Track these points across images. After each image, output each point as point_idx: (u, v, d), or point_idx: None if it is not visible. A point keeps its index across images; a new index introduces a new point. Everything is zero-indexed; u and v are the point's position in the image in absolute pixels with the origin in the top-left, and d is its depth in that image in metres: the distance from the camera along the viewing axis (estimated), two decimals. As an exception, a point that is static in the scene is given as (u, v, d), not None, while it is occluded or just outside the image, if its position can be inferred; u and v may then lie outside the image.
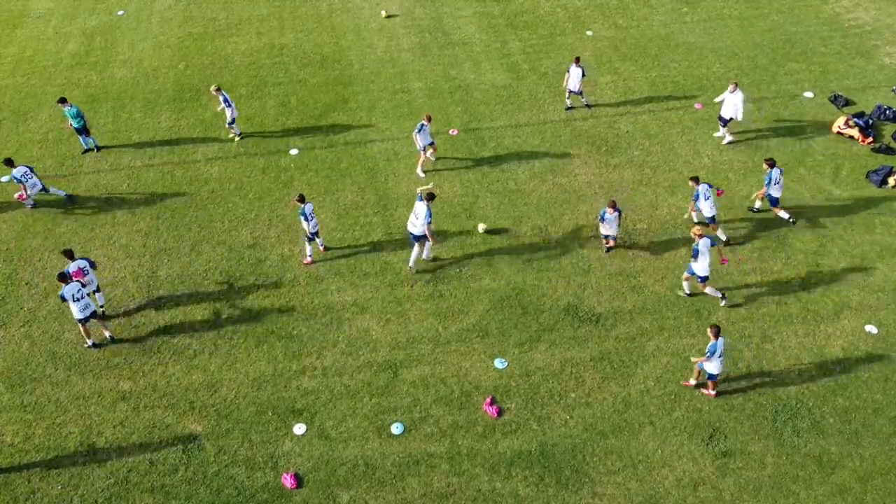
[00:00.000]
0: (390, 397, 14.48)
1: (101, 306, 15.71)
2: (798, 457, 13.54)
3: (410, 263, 16.74)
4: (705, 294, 16.05)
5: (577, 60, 20.59)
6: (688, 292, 16.21)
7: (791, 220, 17.79)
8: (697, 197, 16.80)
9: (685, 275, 15.97)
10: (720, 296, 15.98)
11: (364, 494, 12.98)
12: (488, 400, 14.34)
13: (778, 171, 17.19)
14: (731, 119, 19.75)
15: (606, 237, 17.00)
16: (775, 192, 17.38)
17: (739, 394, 14.51)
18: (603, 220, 16.56)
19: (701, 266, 15.38)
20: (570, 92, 21.16)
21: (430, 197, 16.03)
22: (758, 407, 14.30)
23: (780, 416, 14.15)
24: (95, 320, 15.04)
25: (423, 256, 16.87)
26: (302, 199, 16.28)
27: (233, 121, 20.17)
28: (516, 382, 14.74)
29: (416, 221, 16.05)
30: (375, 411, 14.25)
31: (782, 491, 13.04)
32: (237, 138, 20.63)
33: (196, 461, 13.48)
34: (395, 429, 13.94)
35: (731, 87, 19.41)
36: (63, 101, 19.49)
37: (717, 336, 13.50)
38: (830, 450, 13.64)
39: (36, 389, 14.64)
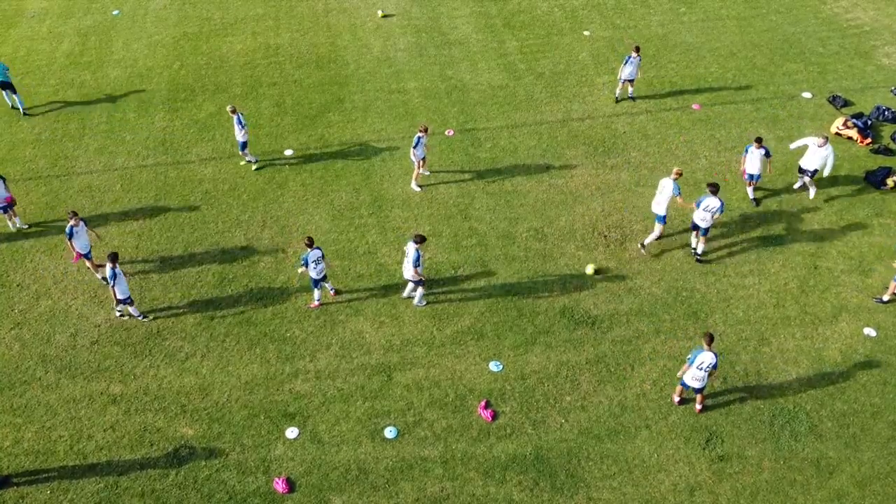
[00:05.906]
0: (384, 401, 14.33)
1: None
2: (796, 461, 13.41)
3: (404, 295, 16.18)
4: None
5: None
6: None
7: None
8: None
9: None
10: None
11: (357, 499, 12.83)
12: (483, 403, 14.20)
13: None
14: (817, 171, 17.94)
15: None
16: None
17: (736, 397, 14.39)
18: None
19: None
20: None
21: (421, 239, 14.90)
22: (755, 411, 14.17)
23: (778, 420, 14.02)
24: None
25: (415, 304, 15.91)
26: (310, 244, 15.06)
27: (244, 145, 19.09)
28: (511, 386, 14.59)
29: (408, 265, 15.18)
30: (369, 415, 14.10)
31: (780, 496, 12.91)
32: (253, 166, 19.52)
33: (187, 465, 13.33)
34: (389, 433, 13.80)
35: (819, 141, 17.45)
36: None
37: (709, 343, 13.17)
38: (828, 454, 13.51)
39: (26, 392, 14.48)
